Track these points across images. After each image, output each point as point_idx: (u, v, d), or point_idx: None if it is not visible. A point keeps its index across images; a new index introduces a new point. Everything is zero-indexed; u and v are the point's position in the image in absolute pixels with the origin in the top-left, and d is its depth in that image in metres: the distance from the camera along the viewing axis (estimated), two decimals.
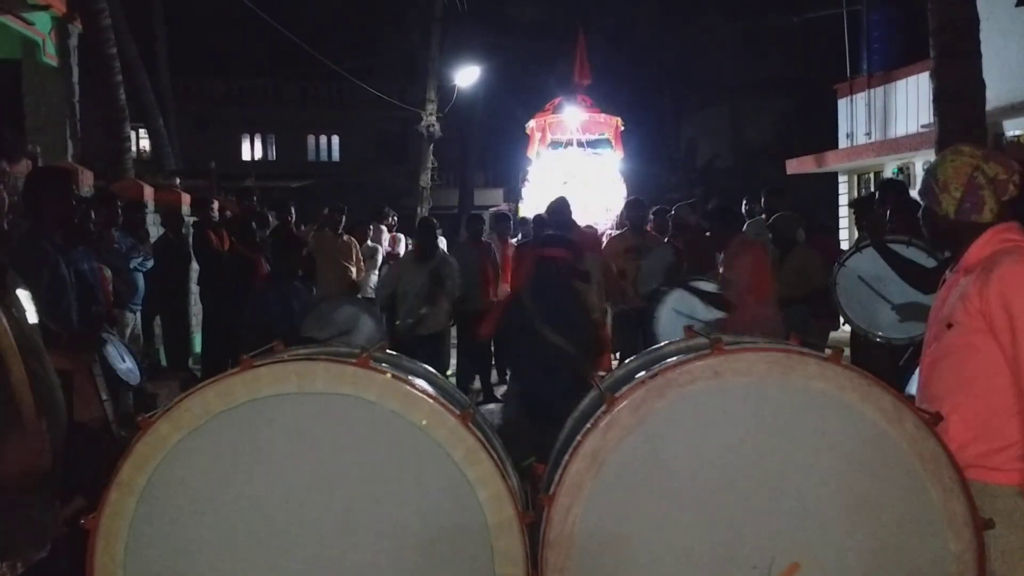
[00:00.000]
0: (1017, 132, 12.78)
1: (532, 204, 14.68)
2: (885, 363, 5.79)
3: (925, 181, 2.97)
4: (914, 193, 8.25)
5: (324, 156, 37.39)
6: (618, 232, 10.09)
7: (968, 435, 2.72)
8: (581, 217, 13.55)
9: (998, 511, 2.64)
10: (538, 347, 5.86)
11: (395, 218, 14.06)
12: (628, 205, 10.06)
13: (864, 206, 7.77)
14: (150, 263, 8.57)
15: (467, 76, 22.68)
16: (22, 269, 2.59)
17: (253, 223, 8.67)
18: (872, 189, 16.89)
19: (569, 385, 5.26)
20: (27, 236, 4.34)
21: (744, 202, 11.29)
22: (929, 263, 5.11)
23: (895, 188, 7.75)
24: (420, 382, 2.69)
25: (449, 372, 7.57)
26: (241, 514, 2.51)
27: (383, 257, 12.75)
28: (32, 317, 2.39)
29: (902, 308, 5.64)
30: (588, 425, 2.56)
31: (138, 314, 8.38)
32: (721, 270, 6.53)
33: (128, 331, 7.79)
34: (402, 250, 13.31)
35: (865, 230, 5.51)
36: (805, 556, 2.49)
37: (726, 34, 27.00)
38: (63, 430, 2.37)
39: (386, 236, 13.05)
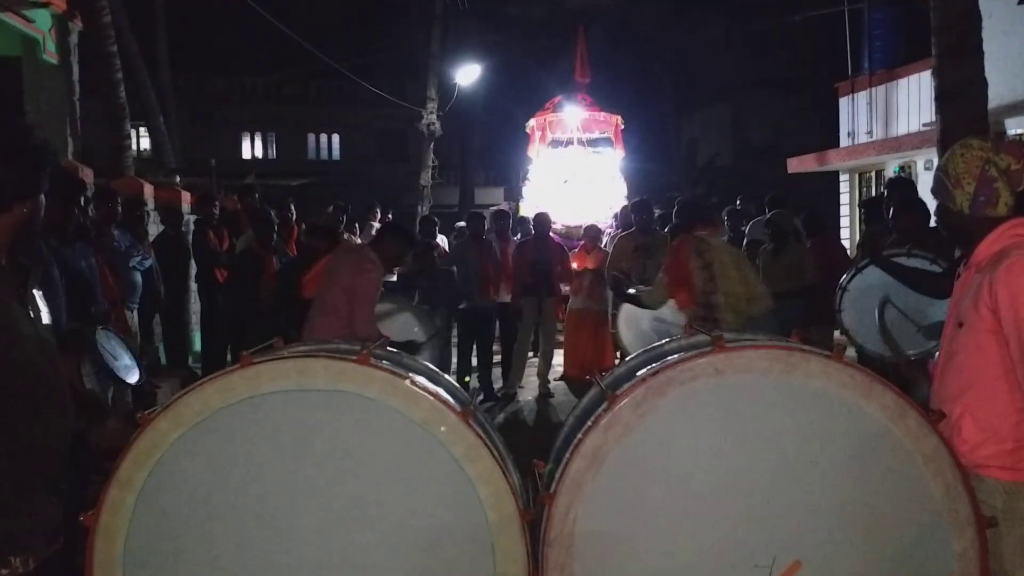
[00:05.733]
0: (1019, 130, 12.76)
1: (533, 203, 14.69)
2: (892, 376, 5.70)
3: (937, 178, 2.88)
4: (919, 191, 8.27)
5: (324, 154, 37.40)
6: (625, 232, 10.08)
7: (980, 436, 2.66)
8: (582, 216, 13.65)
9: (1015, 508, 2.62)
10: None
11: (390, 215, 14.08)
12: (634, 205, 10.04)
13: (874, 206, 7.78)
14: (149, 262, 8.54)
15: (468, 74, 22.66)
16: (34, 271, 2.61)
17: (276, 223, 8.77)
18: (873, 188, 16.93)
19: None
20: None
21: (738, 200, 11.29)
22: (934, 270, 5.05)
23: (902, 186, 7.74)
24: (421, 379, 2.68)
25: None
26: (240, 511, 2.50)
27: None
28: (45, 317, 2.43)
29: (928, 329, 5.39)
30: (589, 423, 2.55)
31: (135, 312, 8.36)
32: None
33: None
34: None
35: (861, 248, 5.29)
36: (807, 554, 2.48)
37: (727, 32, 26.99)
38: (70, 430, 2.39)
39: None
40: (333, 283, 5.66)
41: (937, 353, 2.99)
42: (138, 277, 8.30)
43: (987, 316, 2.65)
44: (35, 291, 2.36)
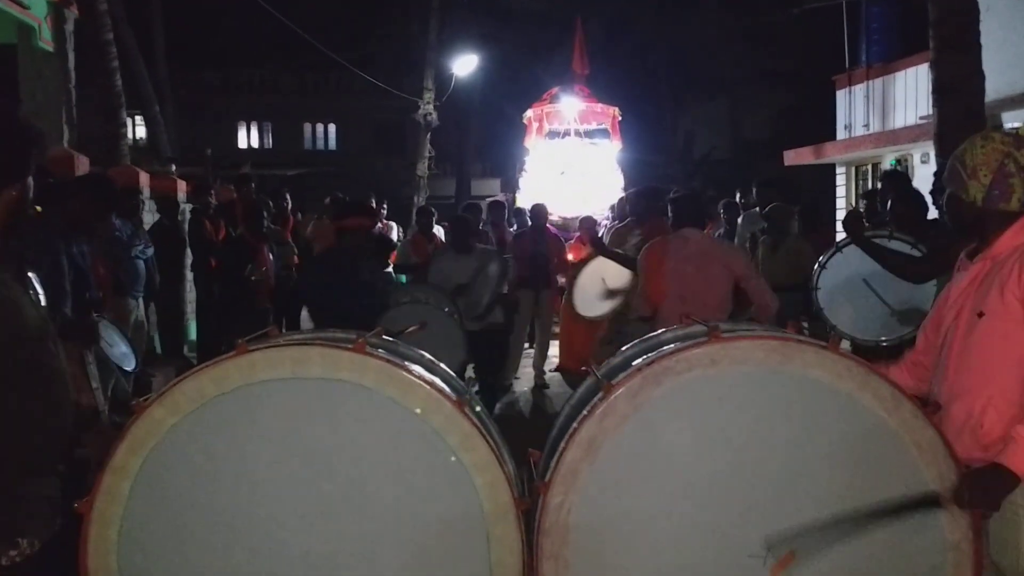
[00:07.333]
0: (1016, 124, 12.76)
1: (529, 194, 14.67)
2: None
3: (951, 167, 2.83)
4: (915, 184, 8.29)
5: (321, 145, 37.27)
6: (621, 224, 10.03)
7: (1004, 429, 2.58)
8: (579, 207, 13.64)
9: None
10: None
11: (385, 206, 14.01)
12: (631, 196, 9.99)
13: (875, 198, 7.81)
14: (151, 251, 8.55)
15: (465, 65, 22.60)
16: (27, 254, 2.62)
17: (264, 212, 8.72)
18: (870, 181, 16.94)
19: None
20: (36, 223, 4.33)
21: (739, 194, 11.28)
22: (914, 254, 5.06)
23: (897, 179, 7.75)
24: (417, 368, 2.67)
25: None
26: (235, 499, 2.50)
27: None
28: (42, 300, 2.43)
29: (902, 313, 5.46)
30: (584, 412, 2.55)
31: (140, 301, 8.37)
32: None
33: (132, 318, 7.79)
34: (394, 237, 13.31)
35: (844, 226, 5.26)
36: (801, 545, 2.49)
37: (725, 25, 26.96)
38: (71, 412, 2.39)
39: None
40: (688, 284, 5.04)
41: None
42: (142, 266, 8.31)
43: (1014, 305, 2.60)
44: (31, 274, 2.36)
